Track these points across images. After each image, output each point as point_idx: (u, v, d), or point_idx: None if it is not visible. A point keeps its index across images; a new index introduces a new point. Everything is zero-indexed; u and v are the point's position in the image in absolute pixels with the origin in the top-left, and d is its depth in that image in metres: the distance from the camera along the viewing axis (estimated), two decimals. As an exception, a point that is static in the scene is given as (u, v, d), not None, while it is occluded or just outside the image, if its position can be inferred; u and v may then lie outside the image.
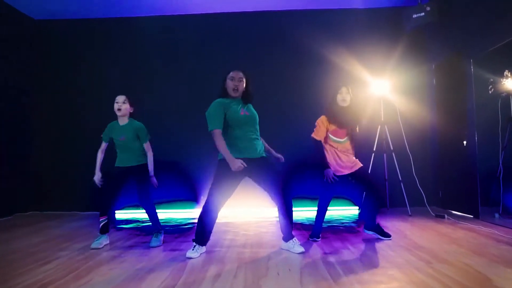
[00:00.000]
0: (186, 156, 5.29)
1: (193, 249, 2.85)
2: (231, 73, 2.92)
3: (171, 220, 4.70)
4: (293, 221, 2.99)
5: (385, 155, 5.01)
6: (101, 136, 3.40)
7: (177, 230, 3.99)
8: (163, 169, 5.08)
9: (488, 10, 4.08)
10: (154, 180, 3.32)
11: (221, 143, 2.76)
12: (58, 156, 5.54)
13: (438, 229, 3.76)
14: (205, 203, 2.88)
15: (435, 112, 5.25)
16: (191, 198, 5.32)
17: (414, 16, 4.96)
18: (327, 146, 3.30)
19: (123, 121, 3.36)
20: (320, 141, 3.27)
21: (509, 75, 3.84)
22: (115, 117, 3.39)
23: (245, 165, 2.71)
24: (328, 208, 3.41)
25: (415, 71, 5.25)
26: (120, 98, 3.32)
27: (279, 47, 5.39)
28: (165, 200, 5.16)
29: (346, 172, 3.25)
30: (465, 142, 4.54)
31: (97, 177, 3.31)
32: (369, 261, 2.61)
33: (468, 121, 4.46)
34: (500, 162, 4.35)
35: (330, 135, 3.27)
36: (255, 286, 2.14)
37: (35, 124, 5.60)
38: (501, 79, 4.03)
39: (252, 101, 3.01)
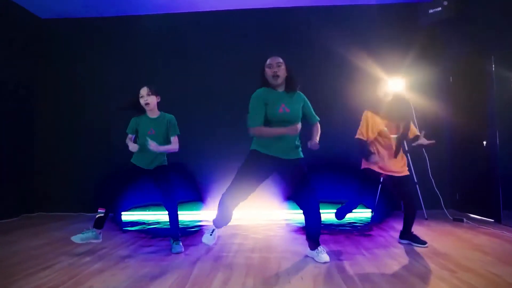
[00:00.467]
0: (192, 157, 5.15)
1: (211, 234, 2.77)
2: (268, 60, 2.69)
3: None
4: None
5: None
6: (127, 131, 3.15)
7: (183, 233, 3.85)
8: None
9: (509, 5, 3.86)
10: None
11: (264, 130, 2.59)
12: (64, 157, 5.45)
13: (458, 234, 3.55)
14: (227, 189, 2.70)
15: (452, 111, 5.02)
16: (197, 199, 5.19)
17: (431, 11, 4.77)
18: (375, 146, 3.06)
19: (153, 113, 3.11)
20: (364, 140, 3.02)
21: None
22: (122, 117, 3.18)
23: (299, 129, 2.56)
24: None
25: (431, 69, 5.02)
26: (144, 91, 3.05)
27: (290, 44, 5.21)
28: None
29: (394, 173, 3.02)
30: (485, 142, 4.32)
31: (133, 146, 3.03)
32: (387, 269, 2.44)
33: (489, 121, 4.24)
34: (521, 164, 4.14)
35: (385, 130, 3.00)
36: (265, 296, 1.99)
37: (41, 124, 5.52)
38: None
39: (296, 88, 2.74)
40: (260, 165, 2.64)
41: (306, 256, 2.80)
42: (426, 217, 4.42)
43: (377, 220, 4.44)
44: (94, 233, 3.03)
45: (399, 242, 3.20)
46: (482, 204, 4.39)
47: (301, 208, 2.75)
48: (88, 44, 5.56)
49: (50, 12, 5.41)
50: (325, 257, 2.63)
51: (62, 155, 5.47)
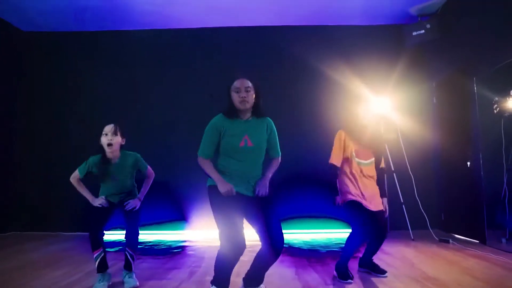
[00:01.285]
0: (173, 175, 5.03)
1: None
2: (235, 82, 2.31)
3: (161, 242, 4.41)
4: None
5: (385, 176, 4.79)
6: (77, 169, 2.86)
7: (167, 254, 3.70)
8: (150, 188, 4.87)
9: (490, 28, 3.98)
10: (138, 203, 2.79)
11: (207, 166, 2.27)
12: (43, 173, 5.25)
13: (446, 256, 3.52)
14: (220, 245, 2.18)
15: (437, 131, 5.09)
16: (180, 218, 5.04)
17: (414, 33, 4.89)
18: (347, 173, 2.83)
19: (114, 157, 2.77)
20: (333, 165, 2.80)
21: (515, 94, 3.71)
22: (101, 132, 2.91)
23: (234, 193, 2.17)
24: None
25: (415, 89, 5.11)
26: (109, 128, 2.73)
27: (278, 62, 5.25)
28: (154, 222, 4.89)
29: (372, 208, 2.73)
30: (469, 163, 4.36)
31: (99, 199, 2.73)
32: (377, 296, 2.37)
33: (472, 142, 4.30)
34: (505, 184, 4.19)
35: (353, 155, 2.80)
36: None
37: (20, 138, 5.33)
38: (507, 98, 3.91)
39: (261, 115, 2.39)
40: (234, 203, 2.20)
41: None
42: (412, 237, 4.39)
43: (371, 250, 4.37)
44: (107, 276, 2.67)
45: (358, 270, 3.01)
46: (467, 224, 4.40)
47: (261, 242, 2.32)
48: (71, 57, 5.46)
49: (32, 25, 5.30)
50: None
51: (41, 171, 5.27)
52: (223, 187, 2.15)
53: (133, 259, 2.72)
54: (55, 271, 2.94)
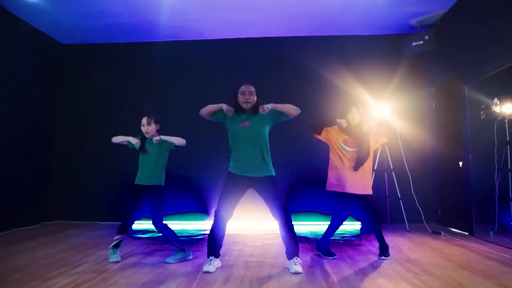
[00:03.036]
0: (196, 171, 5.66)
1: (209, 263, 2.94)
2: (242, 87, 3.03)
3: (184, 231, 5.04)
4: (298, 235, 3.11)
5: (385, 174, 5.30)
6: (127, 141, 3.51)
7: (189, 241, 4.32)
8: (175, 182, 5.50)
9: (481, 40, 4.40)
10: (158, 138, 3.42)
11: (205, 107, 3.11)
12: (79, 170, 5.97)
13: (433, 245, 4.01)
14: (214, 215, 3.04)
15: (434, 134, 5.54)
16: (201, 210, 5.67)
17: (414, 44, 5.32)
18: (334, 159, 3.46)
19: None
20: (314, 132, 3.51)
21: (498, 102, 4.14)
22: (135, 133, 3.58)
23: (232, 109, 3.02)
24: (328, 223, 3.60)
25: (414, 95, 5.57)
26: (144, 120, 3.46)
27: (283, 71, 5.76)
28: (177, 212, 5.54)
29: (355, 191, 3.35)
30: (461, 163, 4.81)
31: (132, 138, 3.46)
32: (361, 271, 2.92)
33: (464, 144, 4.74)
34: (496, 183, 4.59)
35: (340, 143, 3.42)
36: (259, 290, 2.46)
37: (59, 139, 6.06)
38: (492, 106, 4.33)
39: (258, 110, 3.04)
40: (234, 185, 2.97)
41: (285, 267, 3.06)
42: (408, 229, 4.88)
43: (366, 232, 4.89)
44: (118, 251, 3.36)
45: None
46: (459, 218, 4.86)
47: (276, 220, 3.03)
48: (105, 67, 6.14)
49: (71, 38, 6.00)
50: (296, 268, 2.85)
51: (77, 168, 5.99)
52: (223, 105, 3.04)
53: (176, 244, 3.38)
54: (101, 251, 3.60)
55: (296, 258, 2.94)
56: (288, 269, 2.92)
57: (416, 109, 5.58)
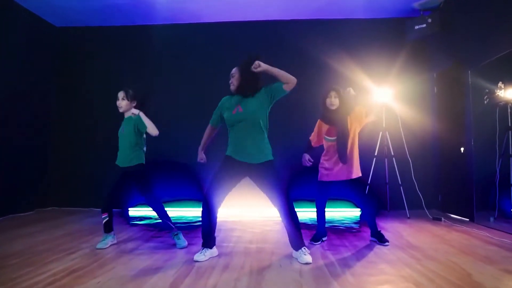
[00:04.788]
0: (193, 158, 5.55)
1: (201, 252, 2.85)
2: None
3: (182, 218, 4.99)
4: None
5: (386, 160, 5.24)
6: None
7: (188, 227, 4.27)
8: (173, 170, 5.43)
9: (485, 24, 4.29)
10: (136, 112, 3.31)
11: (205, 133, 3.20)
12: (76, 156, 5.89)
13: (434, 231, 3.98)
14: (203, 200, 2.87)
15: (435, 119, 5.46)
16: (199, 197, 5.61)
17: (416, 27, 5.20)
18: (325, 150, 3.43)
19: (127, 114, 3.42)
20: (309, 140, 3.55)
21: (503, 86, 4.06)
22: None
23: (204, 161, 3.20)
24: (330, 210, 3.54)
25: (416, 80, 5.48)
26: (120, 94, 3.39)
27: (284, 55, 5.62)
28: (175, 199, 5.50)
29: (341, 178, 3.30)
30: (462, 149, 4.75)
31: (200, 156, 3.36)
32: (363, 257, 2.87)
33: (466, 129, 4.68)
34: (497, 169, 4.56)
35: (324, 136, 3.40)
36: (260, 276, 2.41)
37: (56, 125, 5.95)
38: (496, 90, 4.25)
39: (248, 92, 2.88)
40: (231, 170, 2.84)
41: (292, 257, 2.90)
42: (408, 216, 4.85)
43: (366, 218, 4.86)
44: (110, 236, 3.32)
45: (370, 240, 3.50)
46: (459, 204, 4.83)
47: (277, 209, 2.88)
48: (99, 50, 6.00)
49: (65, 20, 5.83)
50: (306, 258, 2.71)
51: (74, 154, 5.90)
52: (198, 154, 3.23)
53: (167, 222, 3.33)
54: (98, 237, 3.54)
55: (304, 248, 2.81)
56: (297, 259, 2.78)
57: (418, 95, 5.50)
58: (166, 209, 3.40)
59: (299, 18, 5.71)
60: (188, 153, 5.54)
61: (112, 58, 5.96)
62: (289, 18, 5.72)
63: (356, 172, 3.32)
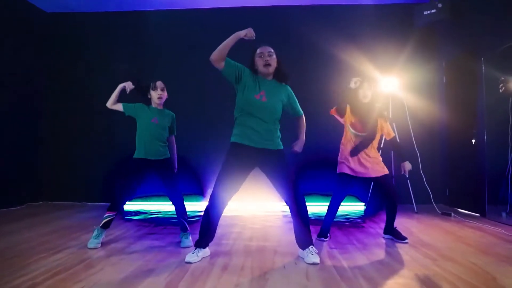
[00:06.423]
0: (192, 151, 5.33)
1: (193, 252, 2.57)
2: (258, 49, 2.60)
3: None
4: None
5: (392, 152, 4.99)
6: (122, 104, 3.10)
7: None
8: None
9: (500, 9, 4.03)
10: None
11: (220, 46, 2.57)
12: (68, 147, 5.63)
13: (445, 227, 3.76)
14: (212, 194, 2.58)
15: (444, 110, 5.21)
16: (197, 192, 5.38)
17: (426, 13, 4.93)
18: (345, 142, 3.18)
19: (159, 107, 3.15)
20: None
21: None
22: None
23: (254, 35, 2.49)
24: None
25: (424, 69, 5.21)
26: (160, 85, 3.11)
27: (286, 42, 5.37)
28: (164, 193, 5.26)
29: (369, 174, 3.07)
30: (473, 141, 4.51)
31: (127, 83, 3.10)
32: (374, 257, 2.64)
33: (478, 120, 4.44)
34: (509, 162, 4.33)
35: (349, 127, 3.15)
36: (262, 279, 2.18)
37: (47, 115, 5.69)
38: (510, 79, 4.00)
39: (283, 80, 2.65)
40: (241, 158, 2.52)
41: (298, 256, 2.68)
42: (416, 210, 4.63)
43: (370, 213, 4.64)
44: (103, 233, 3.04)
45: (383, 237, 3.30)
46: (470, 199, 4.60)
47: (285, 202, 2.67)
48: (92, 37, 5.71)
49: (55, 6, 5.54)
50: (314, 258, 2.47)
51: (67, 145, 5.65)
52: (243, 32, 2.50)
53: (183, 222, 3.11)
54: (88, 234, 3.29)
55: (311, 247, 2.56)
56: (303, 259, 2.54)
57: (426, 84, 5.25)
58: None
59: (302, 4, 5.42)
60: (187, 146, 5.31)
61: (105, 45, 5.67)
62: (291, 4, 5.42)
63: (385, 168, 3.15)
